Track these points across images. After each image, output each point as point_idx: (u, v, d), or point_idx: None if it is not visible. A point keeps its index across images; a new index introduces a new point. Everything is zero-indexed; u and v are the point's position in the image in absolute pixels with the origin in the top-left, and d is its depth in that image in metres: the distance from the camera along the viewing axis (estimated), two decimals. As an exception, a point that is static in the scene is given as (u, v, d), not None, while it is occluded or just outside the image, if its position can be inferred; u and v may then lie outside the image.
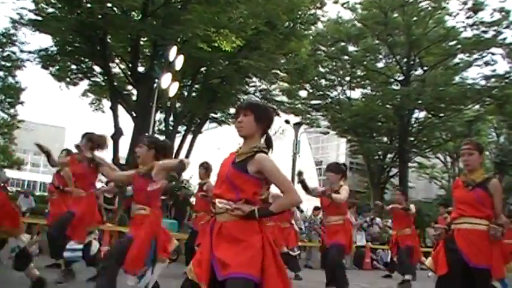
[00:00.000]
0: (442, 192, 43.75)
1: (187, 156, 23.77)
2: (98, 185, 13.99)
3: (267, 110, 3.51)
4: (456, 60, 29.14)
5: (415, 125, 30.77)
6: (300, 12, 22.77)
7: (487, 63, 28.01)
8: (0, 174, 13.42)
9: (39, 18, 20.02)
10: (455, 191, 5.06)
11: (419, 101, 27.66)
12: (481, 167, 5.00)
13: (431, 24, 28.15)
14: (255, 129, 3.39)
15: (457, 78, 29.13)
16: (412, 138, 30.57)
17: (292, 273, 10.20)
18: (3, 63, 26.92)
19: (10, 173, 24.85)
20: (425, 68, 29.70)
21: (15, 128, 34.59)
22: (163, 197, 17.18)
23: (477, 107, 29.99)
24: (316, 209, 16.58)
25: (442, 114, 29.26)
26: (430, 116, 30.21)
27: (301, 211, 16.66)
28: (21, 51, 24.28)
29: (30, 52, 22.96)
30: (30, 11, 20.13)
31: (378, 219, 17.73)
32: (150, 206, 5.08)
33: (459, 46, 27.87)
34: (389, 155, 31.94)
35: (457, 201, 4.96)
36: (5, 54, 25.73)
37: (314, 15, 24.19)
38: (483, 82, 28.38)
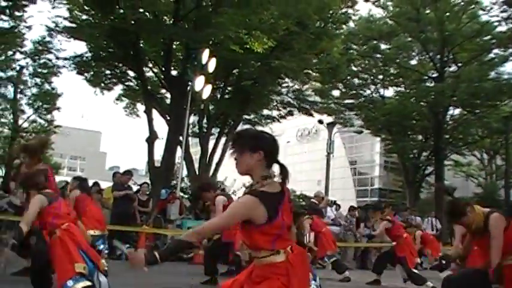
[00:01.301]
0: (479, 190, 43.18)
1: (221, 158, 23.91)
2: (134, 188, 14.25)
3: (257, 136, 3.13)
4: (491, 55, 28.61)
5: (450, 122, 30.37)
6: (331, 12, 22.71)
7: (523, 58, 27.57)
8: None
9: (74, 25, 20.43)
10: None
11: (454, 98, 27.31)
12: None
13: (464, 19, 27.78)
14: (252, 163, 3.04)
15: (492, 74, 28.63)
16: (447, 136, 30.17)
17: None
18: (39, 70, 27.49)
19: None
20: (459, 64, 29.28)
21: (52, 133, 35.11)
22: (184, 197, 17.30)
23: (514, 102, 29.53)
24: (352, 208, 16.51)
25: (477, 111, 28.81)
26: (465, 112, 29.80)
27: (338, 206, 16.55)
28: (57, 58, 24.76)
29: (65, 59, 23.40)
30: (65, 18, 20.57)
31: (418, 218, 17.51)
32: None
33: (494, 41, 27.42)
34: (424, 153, 31.57)
35: None
36: (42, 61, 26.26)
37: (345, 14, 24.11)
38: (520, 77, 27.89)
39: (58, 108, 32.20)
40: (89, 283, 4.89)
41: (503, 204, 26.00)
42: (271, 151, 3.05)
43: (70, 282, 4.73)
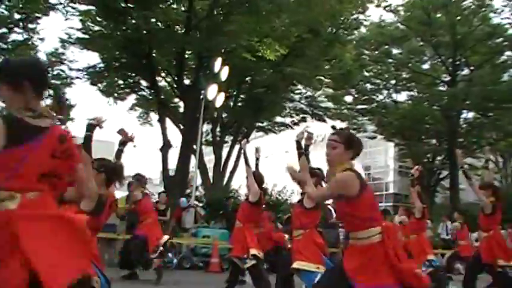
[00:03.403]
0: (495, 193, 42.79)
1: (235, 166, 23.96)
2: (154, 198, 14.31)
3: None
4: (503, 57, 28.50)
5: (463, 125, 30.25)
6: (342, 18, 22.77)
7: (535, 59, 27.45)
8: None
9: (87, 36, 20.59)
10: None
11: (467, 101, 27.22)
12: None
13: (475, 22, 27.69)
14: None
15: (505, 76, 28.50)
16: (461, 139, 30.03)
17: None
18: (53, 81, 27.64)
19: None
20: (471, 68, 29.18)
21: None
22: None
23: (528, 104, 29.35)
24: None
25: (491, 114, 28.67)
26: (478, 116, 29.67)
27: None
28: (70, 69, 24.85)
29: (78, 70, 23.50)
30: (77, 30, 20.73)
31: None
32: None
33: (506, 43, 27.31)
34: (438, 157, 31.47)
35: None
36: (55, 73, 26.43)
37: (357, 20, 24.18)
38: (533, 79, 27.75)
39: (72, 119, 32.43)
40: None
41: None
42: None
43: None
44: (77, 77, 24.21)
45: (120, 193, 14.29)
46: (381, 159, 74.52)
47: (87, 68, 22.60)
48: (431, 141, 32.43)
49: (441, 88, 30.04)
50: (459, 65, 29.40)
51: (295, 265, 6.15)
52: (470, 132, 30.12)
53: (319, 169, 6.58)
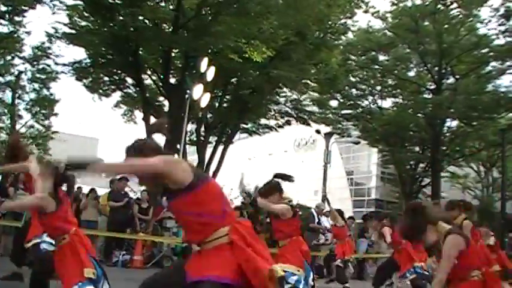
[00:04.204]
0: (476, 202, 43.16)
1: (218, 167, 23.92)
2: (131, 194, 14.23)
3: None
4: (489, 68, 28.71)
5: (447, 134, 30.46)
6: (330, 22, 22.78)
7: (520, 71, 27.67)
8: None
9: (73, 31, 20.46)
10: None
11: (452, 110, 27.38)
12: None
13: (462, 32, 27.90)
14: None
15: (489, 87, 28.75)
16: (444, 148, 30.25)
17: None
18: (38, 75, 27.49)
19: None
20: (457, 77, 29.37)
21: (49, 139, 35.06)
22: None
23: (511, 115, 29.57)
24: (351, 218, 16.67)
25: (474, 123, 28.89)
26: (462, 124, 29.90)
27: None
28: (56, 63, 24.80)
29: (64, 65, 23.40)
30: (64, 24, 20.60)
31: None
32: None
33: (491, 54, 27.53)
34: (421, 165, 31.65)
35: None
36: (40, 67, 26.28)
37: (344, 25, 24.22)
38: (516, 90, 27.98)
39: (56, 114, 32.17)
40: None
41: (499, 217, 26.02)
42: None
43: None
44: (62, 72, 24.18)
45: (102, 190, 14.27)
46: (364, 164, 74.85)
47: (72, 63, 22.45)
48: (414, 148, 32.62)
49: (426, 96, 30.21)
50: (444, 74, 29.58)
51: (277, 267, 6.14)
52: (453, 141, 30.35)
53: (273, 182, 6.74)
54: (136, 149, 3.46)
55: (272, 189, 6.47)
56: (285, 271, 6.05)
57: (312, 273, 6.73)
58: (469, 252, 4.47)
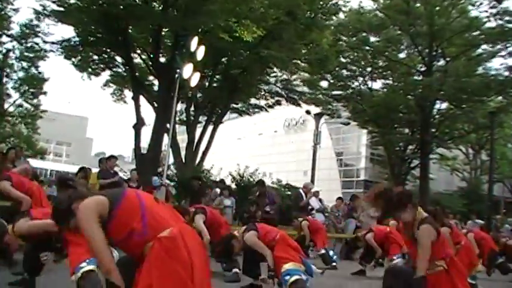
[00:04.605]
0: (464, 184, 43.49)
1: (207, 147, 23.91)
2: (120, 174, 14.14)
3: None
4: (479, 50, 28.71)
5: (436, 116, 30.51)
6: (321, 2, 22.64)
7: (510, 54, 27.64)
8: None
9: (62, 9, 20.19)
10: None
11: (442, 92, 27.38)
12: None
13: (454, 14, 27.84)
14: None
15: (480, 69, 28.79)
16: (433, 130, 30.32)
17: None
18: (26, 54, 27.26)
19: (34, 163, 25.17)
20: (447, 59, 29.35)
21: (38, 118, 34.91)
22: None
23: (500, 98, 29.64)
24: (339, 198, 16.69)
25: (464, 106, 28.92)
26: (452, 107, 29.93)
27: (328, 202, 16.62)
28: (44, 42, 24.56)
29: (53, 43, 23.22)
30: (53, 2, 20.34)
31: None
32: None
33: (482, 36, 27.50)
34: (410, 146, 31.76)
35: None
36: (29, 45, 26.02)
37: (335, 5, 24.05)
38: (506, 73, 27.97)
39: (44, 93, 32.02)
40: (94, 267, 4.87)
41: (486, 199, 26.21)
42: None
43: (83, 264, 4.70)
44: (51, 50, 23.97)
45: (93, 169, 14.21)
46: (353, 145, 75.15)
47: (61, 41, 22.25)
48: (404, 130, 32.71)
49: (416, 78, 30.20)
50: (435, 56, 29.57)
51: (282, 269, 6.23)
52: (443, 123, 30.42)
53: None
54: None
55: None
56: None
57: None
58: (438, 243, 4.51)
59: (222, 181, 17.97)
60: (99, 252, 3.11)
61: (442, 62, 30.01)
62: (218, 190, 15.47)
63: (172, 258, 3.07)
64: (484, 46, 28.35)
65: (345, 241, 14.76)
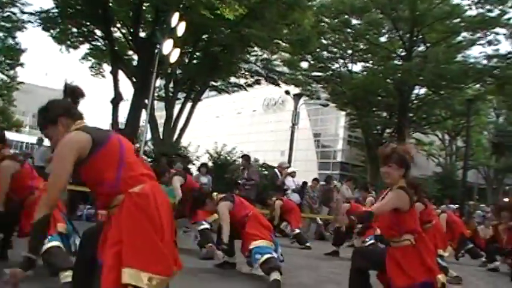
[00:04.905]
0: (439, 170, 43.98)
1: (185, 124, 23.84)
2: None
3: None
4: (459, 38, 28.88)
5: (415, 101, 30.75)
6: (304, -18, 22.56)
7: (490, 43, 27.83)
8: None
9: (41, -22, 19.88)
10: None
11: (421, 77, 27.51)
12: None
13: (436, 0, 27.91)
14: None
15: (459, 57, 28.97)
16: (411, 114, 30.57)
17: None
18: (3, 24, 26.71)
19: (9, 135, 24.88)
20: (427, 45, 29.50)
21: (14, 89, 34.50)
22: None
23: (478, 86, 29.93)
24: (315, 180, 16.72)
25: (442, 92, 29.16)
26: (430, 92, 30.16)
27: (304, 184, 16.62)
28: (22, 12, 24.10)
29: (31, 13, 22.79)
30: (32, -29, 19.99)
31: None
32: None
33: (463, 24, 27.66)
34: (387, 130, 32.00)
35: None
36: (5, 14, 25.52)
37: (319, -14, 24.00)
38: (485, 62, 28.22)
39: (21, 64, 31.54)
40: (58, 243, 4.83)
41: (460, 185, 26.54)
42: None
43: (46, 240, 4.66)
44: (29, 21, 23.50)
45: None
46: (331, 127, 75.38)
47: (39, 12, 21.88)
48: (382, 113, 32.91)
49: (396, 62, 30.33)
50: (416, 41, 29.69)
51: (252, 246, 6.29)
52: (420, 108, 30.69)
53: None
54: (46, 118, 3.41)
55: None
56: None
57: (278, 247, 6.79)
58: (408, 214, 4.49)
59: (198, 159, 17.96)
60: (52, 188, 3.07)
61: (422, 48, 30.17)
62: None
63: (143, 216, 3.00)
64: (464, 34, 28.52)
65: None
